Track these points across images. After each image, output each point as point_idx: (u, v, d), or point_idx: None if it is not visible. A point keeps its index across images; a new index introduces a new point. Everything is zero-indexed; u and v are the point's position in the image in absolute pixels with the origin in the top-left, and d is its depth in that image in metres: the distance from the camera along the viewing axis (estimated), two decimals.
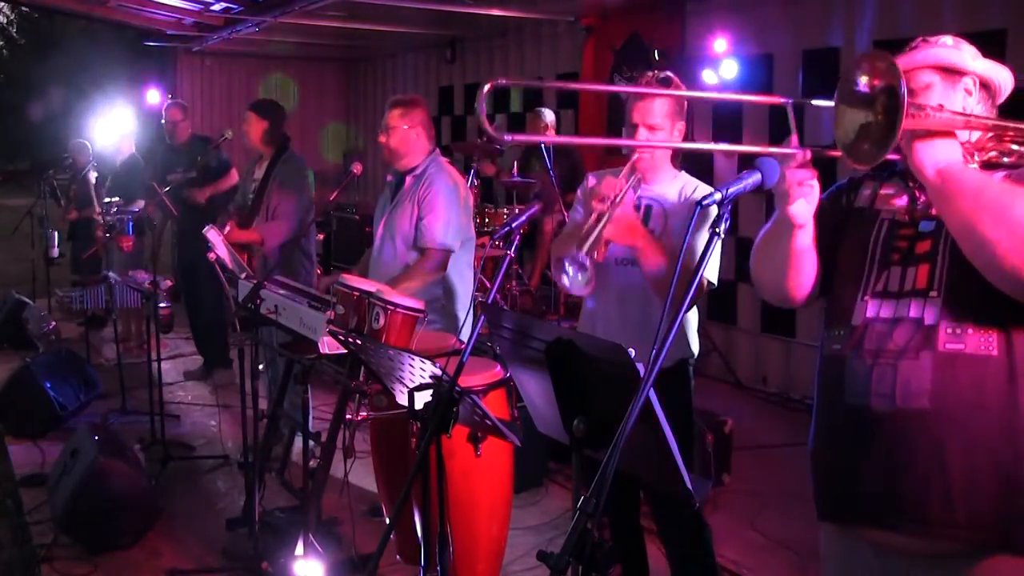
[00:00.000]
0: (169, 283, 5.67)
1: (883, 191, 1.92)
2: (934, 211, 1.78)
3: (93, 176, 7.84)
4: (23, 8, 27.53)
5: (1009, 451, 1.69)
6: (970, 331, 1.70)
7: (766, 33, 6.35)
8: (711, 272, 2.74)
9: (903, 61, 1.83)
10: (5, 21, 32.49)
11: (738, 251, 6.22)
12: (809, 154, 1.72)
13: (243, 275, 4.02)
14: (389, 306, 2.98)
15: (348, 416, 3.04)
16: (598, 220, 2.55)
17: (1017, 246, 1.58)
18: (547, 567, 1.43)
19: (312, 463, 3.35)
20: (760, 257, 2.00)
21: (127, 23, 9.90)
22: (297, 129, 11.23)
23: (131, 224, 6.44)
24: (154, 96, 10.15)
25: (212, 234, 4.15)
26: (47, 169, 8.56)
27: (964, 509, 1.69)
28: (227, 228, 4.51)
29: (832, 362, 1.86)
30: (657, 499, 2.93)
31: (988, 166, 1.78)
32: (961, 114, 1.75)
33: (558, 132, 7.40)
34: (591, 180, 2.97)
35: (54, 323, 7.50)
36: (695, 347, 2.96)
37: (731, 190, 1.52)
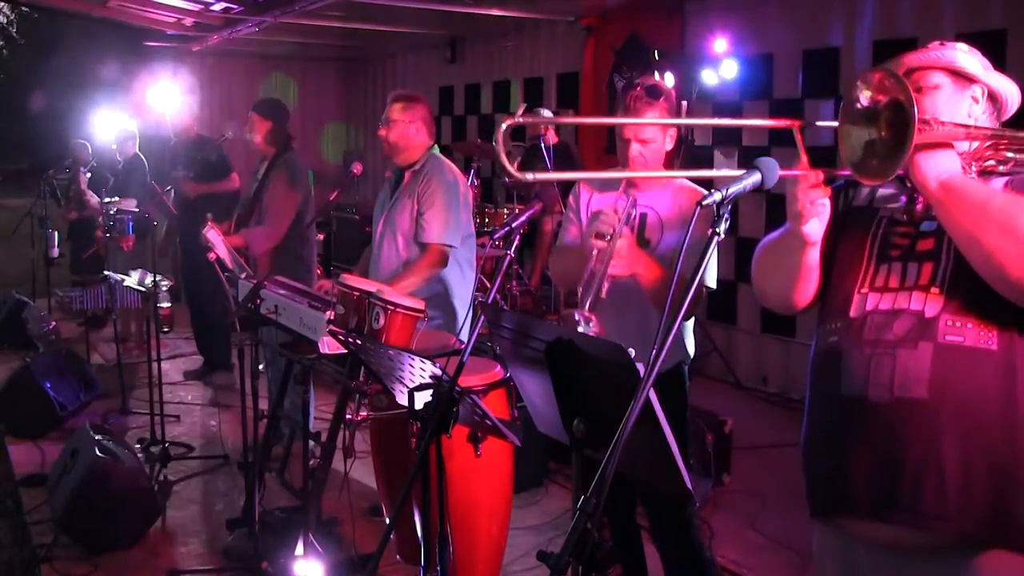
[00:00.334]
0: (169, 283, 5.67)
1: (881, 191, 1.92)
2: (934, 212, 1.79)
3: (86, 176, 7.82)
4: (23, 8, 27.50)
5: (1004, 445, 1.69)
6: (970, 325, 1.71)
7: (766, 33, 6.35)
8: (709, 276, 2.75)
9: (916, 58, 1.85)
10: (5, 21, 32.49)
11: (738, 251, 6.22)
12: (822, 175, 1.72)
13: (243, 275, 4.02)
14: (389, 306, 2.98)
15: (348, 416, 3.04)
16: (599, 260, 2.56)
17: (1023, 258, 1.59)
18: (547, 567, 1.43)
19: (312, 463, 3.35)
20: (765, 269, 2.01)
21: (127, 23, 9.89)
22: (297, 129, 11.19)
23: (131, 224, 6.44)
24: (155, 96, 10.13)
25: (212, 234, 4.15)
26: (47, 169, 8.55)
27: (957, 501, 1.69)
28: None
29: (828, 354, 1.86)
30: (648, 499, 2.94)
31: (985, 174, 1.79)
32: (963, 125, 1.76)
33: (558, 132, 7.40)
34: (583, 194, 2.98)
35: (54, 323, 7.50)
36: (691, 350, 2.97)
37: (731, 190, 1.51)
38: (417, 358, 2.30)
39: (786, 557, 3.78)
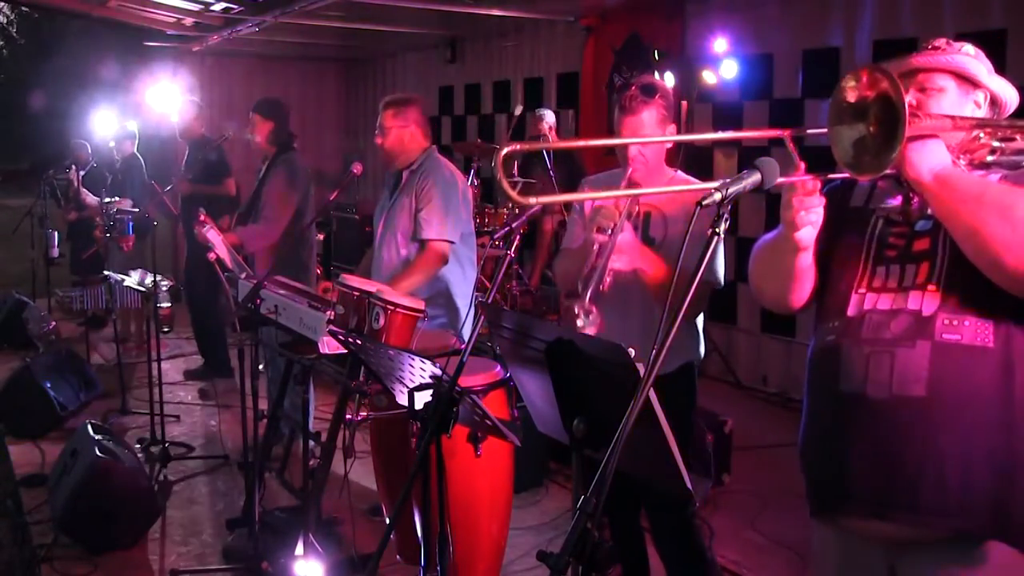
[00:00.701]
0: (169, 283, 5.67)
1: (878, 189, 1.93)
2: (931, 211, 1.79)
3: (78, 175, 7.81)
4: (23, 8, 27.52)
5: (1003, 441, 1.70)
6: (967, 323, 1.72)
7: (766, 33, 6.35)
8: (719, 273, 2.74)
9: (925, 60, 1.84)
10: (5, 21, 32.50)
11: (738, 251, 6.22)
12: (818, 184, 1.72)
13: (243, 275, 4.02)
14: (389, 306, 2.98)
15: (348, 416, 3.04)
16: (600, 254, 2.56)
17: (1022, 247, 1.59)
18: (547, 567, 1.43)
19: (312, 463, 3.35)
20: (761, 270, 2.01)
21: (127, 23, 9.89)
22: (297, 129, 11.16)
23: (131, 224, 6.44)
24: (155, 96, 10.13)
25: (212, 234, 4.15)
26: (47, 169, 8.55)
27: (956, 496, 1.70)
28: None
29: (827, 352, 1.87)
30: (649, 501, 2.92)
31: (975, 166, 1.80)
32: (949, 116, 1.76)
33: (558, 132, 7.40)
34: (587, 195, 2.98)
35: (54, 323, 7.51)
36: (701, 350, 2.95)
37: (731, 190, 1.51)
38: (417, 358, 2.30)
39: (786, 557, 3.78)
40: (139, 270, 5.44)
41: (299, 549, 3.17)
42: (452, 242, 3.74)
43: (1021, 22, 4.83)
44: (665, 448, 1.63)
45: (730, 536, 3.96)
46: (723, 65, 6.30)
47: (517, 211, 6.78)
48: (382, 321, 2.97)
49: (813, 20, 6.04)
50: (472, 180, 6.97)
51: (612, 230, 2.57)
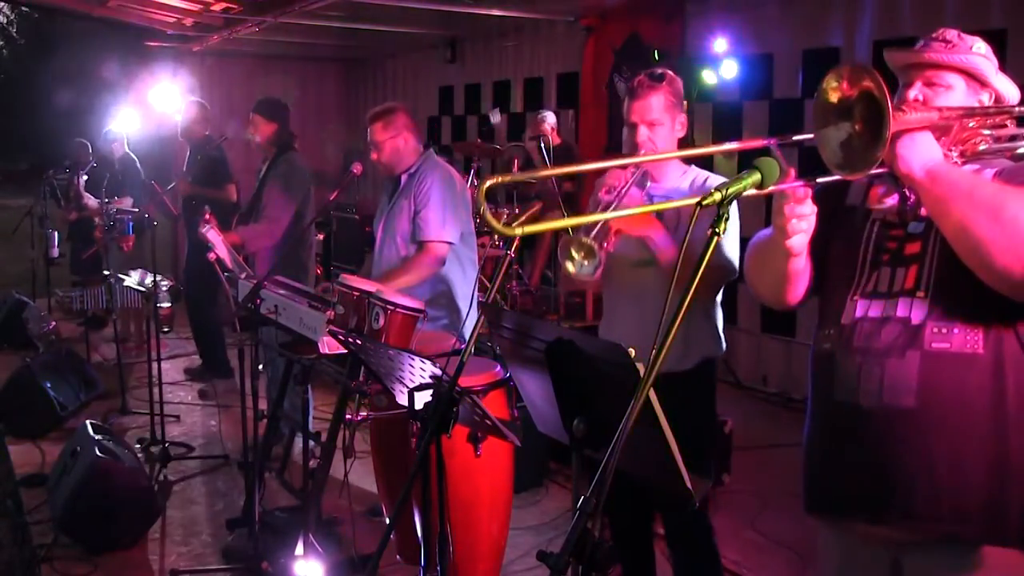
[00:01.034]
0: (169, 283, 5.67)
1: (873, 189, 1.92)
2: (923, 211, 1.79)
3: (84, 177, 7.83)
4: (23, 8, 27.50)
5: (996, 445, 1.70)
6: (956, 330, 1.72)
7: (766, 33, 6.35)
8: (735, 260, 2.68)
9: (939, 57, 1.83)
10: (5, 21, 32.49)
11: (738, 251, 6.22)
12: (810, 192, 1.71)
13: (243, 275, 4.02)
14: (389, 306, 2.98)
15: (348, 416, 3.04)
16: (606, 209, 2.51)
17: (1011, 246, 1.59)
18: (547, 567, 1.43)
19: (312, 463, 3.35)
20: (756, 270, 2.02)
21: (127, 23, 9.89)
22: (297, 129, 11.15)
23: (131, 224, 6.44)
24: (155, 96, 10.14)
25: (212, 234, 4.15)
26: (47, 169, 8.55)
27: (949, 504, 1.71)
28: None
29: (823, 360, 1.88)
30: (665, 507, 2.87)
31: (966, 157, 1.79)
32: (936, 108, 1.75)
33: (559, 132, 7.40)
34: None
35: (54, 323, 7.51)
36: (722, 345, 2.86)
37: (731, 190, 1.51)
38: (417, 358, 2.30)
39: (786, 557, 3.78)
40: (139, 270, 5.44)
41: (299, 549, 3.17)
42: (451, 243, 3.74)
43: (1021, 22, 4.83)
44: (665, 448, 1.62)
45: (730, 536, 3.96)
46: (723, 65, 6.30)
47: (517, 211, 6.78)
48: (382, 321, 2.97)
49: (813, 20, 6.04)
50: (472, 180, 6.96)
51: (619, 191, 2.53)
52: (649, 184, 2.76)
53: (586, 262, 2.44)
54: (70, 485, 3.90)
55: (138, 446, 4.92)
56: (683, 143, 2.85)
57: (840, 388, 1.81)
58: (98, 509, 3.83)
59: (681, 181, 2.83)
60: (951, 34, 1.87)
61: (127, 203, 6.98)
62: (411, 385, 2.29)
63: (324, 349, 3.11)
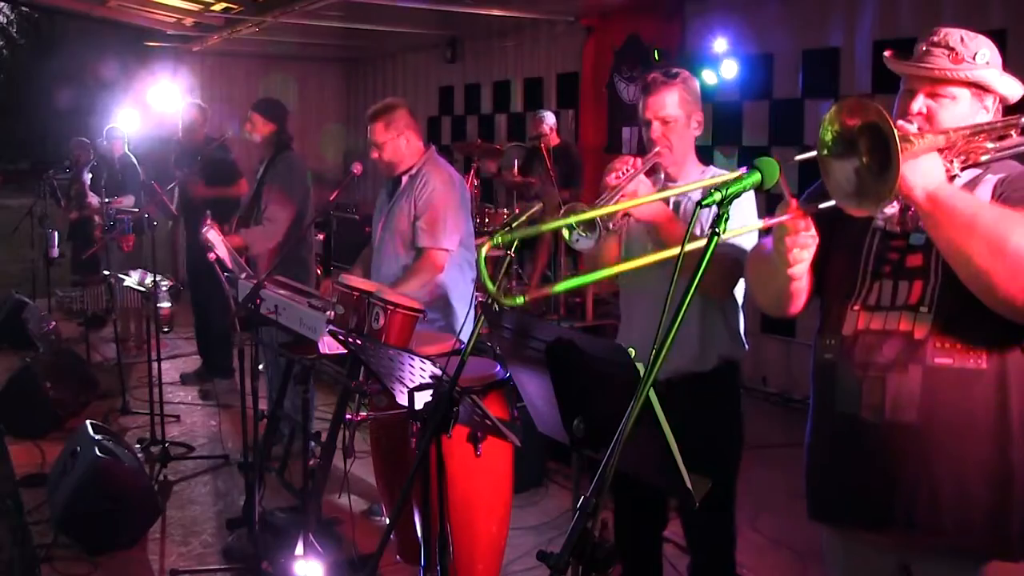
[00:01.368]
0: (169, 283, 5.68)
1: None
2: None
3: (88, 176, 7.84)
4: (23, 8, 27.52)
5: (999, 459, 1.70)
6: (959, 346, 1.71)
7: (766, 33, 6.35)
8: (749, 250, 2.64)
9: (943, 72, 1.78)
10: (5, 21, 32.52)
11: None
12: (811, 225, 1.70)
13: (243, 275, 4.02)
14: (389, 306, 2.98)
15: (348, 416, 3.04)
16: (613, 190, 2.44)
17: (1013, 276, 1.57)
18: (547, 567, 1.43)
19: (312, 463, 3.35)
20: (757, 285, 2.02)
21: (127, 23, 9.89)
22: (297, 129, 11.14)
23: (131, 224, 6.44)
24: (155, 96, 10.14)
25: (212, 234, 4.15)
26: (47, 169, 8.55)
27: (952, 518, 1.71)
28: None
29: (824, 370, 1.87)
30: (688, 512, 2.76)
31: (968, 166, 1.77)
32: (943, 132, 1.72)
33: (559, 132, 7.40)
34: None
35: (54, 323, 7.50)
36: (744, 345, 2.78)
37: (731, 190, 1.51)
38: (417, 358, 2.30)
39: (786, 557, 3.78)
40: (139, 270, 5.44)
41: (299, 549, 3.17)
42: (449, 250, 3.73)
43: (1021, 22, 4.83)
44: (665, 448, 1.62)
45: None
46: (723, 65, 6.30)
47: (517, 211, 6.78)
48: (382, 321, 2.96)
49: (813, 20, 6.04)
50: (472, 180, 6.96)
51: (626, 173, 2.47)
52: (662, 178, 2.69)
53: (584, 234, 2.36)
54: (70, 485, 3.90)
55: (138, 446, 4.92)
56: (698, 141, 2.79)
57: (842, 400, 1.80)
58: (98, 509, 3.82)
59: (699, 182, 2.77)
60: (954, 38, 1.82)
61: (127, 203, 6.98)
62: (411, 385, 2.28)
63: (324, 349, 3.11)
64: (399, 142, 3.81)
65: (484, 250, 1.56)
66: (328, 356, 3.14)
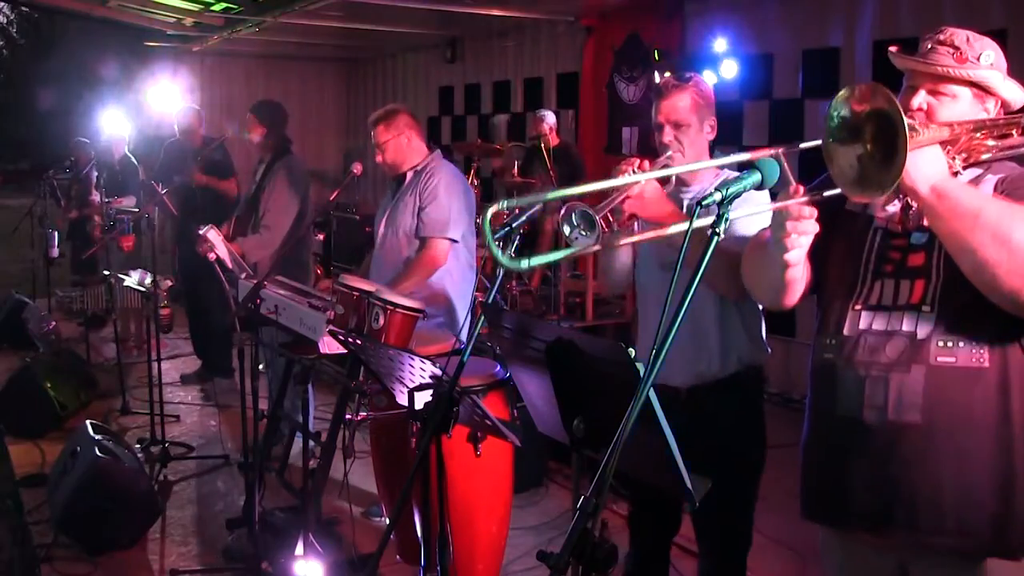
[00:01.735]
0: (169, 283, 5.68)
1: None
2: (926, 222, 1.77)
3: (94, 175, 7.83)
4: (23, 8, 27.52)
5: (1001, 460, 1.69)
6: (962, 344, 1.70)
7: (766, 33, 6.35)
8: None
9: (946, 70, 1.78)
10: (5, 21, 32.51)
11: None
12: (814, 212, 1.68)
13: (243, 275, 4.02)
14: (389, 306, 2.98)
15: (348, 416, 3.04)
16: (619, 190, 2.39)
17: (1018, 269, 1.57)
18: (547, 567, 1.43)
19: (312, 463, 3.35)
20: (752, 274, 2.01)
21: (127, 23, 9.90)
22: (297, 129, 11.18)
23: (130, 224, 6.44)
24: (155, 96, 10.14)
25: (212, 234, 4.15)
26: (47, 169, 8.55)
27: (955, 518, 1.70)
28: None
29: (824, 370, 1.86)
30: (701, 518, 2.71)
31: (970, 164, 1.78)
32: (948, 124, 1.72)
33: (559, 132, 7.40)
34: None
35: (54, 323, 7.50)
36: (767, 350, 2.71)
37: (731, 190, 1.52)
38: (417, 358, 2.30)
39: (786, 557, 3.78)
40: (139, 270, 5.44)
41: (299, 549, 3.17)
42: (454, 240, 3.73)
43: (1021, 22, 4.83)
44: (665, 448, 1.62)
45: None
46: (723, 65, 6.30)
47: (517, 211, 6.77)
48: (382, 321, 2.96)
49: (813, 20, 6.04)
50: (472, 180, 6.96)
51: (634, 171, 2.42)
52: (673, 184, 2.66)
53: (583, 232, 2.30)
54: (70, 485, 3.90)
55: (138, 446, 4.91)
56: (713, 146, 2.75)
57: (843, 403, 1.80)
58: (98, 509, 3.82)
59: (713, 184, 2.74)
60: (960, 38, 1.82)
61: (128, 203, 6.98)
62: (411, 385, 2.28)
63: (324, 349, 3.11)
64: (400, 140, 3.82)
65: (489, 212, 1.54)
66: (328, 356, 3.14)
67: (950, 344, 1.71)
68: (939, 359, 1.71)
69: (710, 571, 2.80)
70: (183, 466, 4.87)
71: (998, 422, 1.69)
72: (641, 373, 1.49)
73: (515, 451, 2.97)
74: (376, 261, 3.93)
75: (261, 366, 4.61)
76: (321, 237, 8.22)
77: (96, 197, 7.57)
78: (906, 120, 1.47)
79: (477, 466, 2.88)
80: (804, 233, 1.70)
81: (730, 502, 2.57)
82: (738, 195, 1.53)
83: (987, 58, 1.81)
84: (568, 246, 2.32)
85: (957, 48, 1.81)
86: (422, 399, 2.21)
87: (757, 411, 2.69)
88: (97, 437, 4.04)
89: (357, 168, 3.84)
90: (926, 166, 1.61)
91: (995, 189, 1.75)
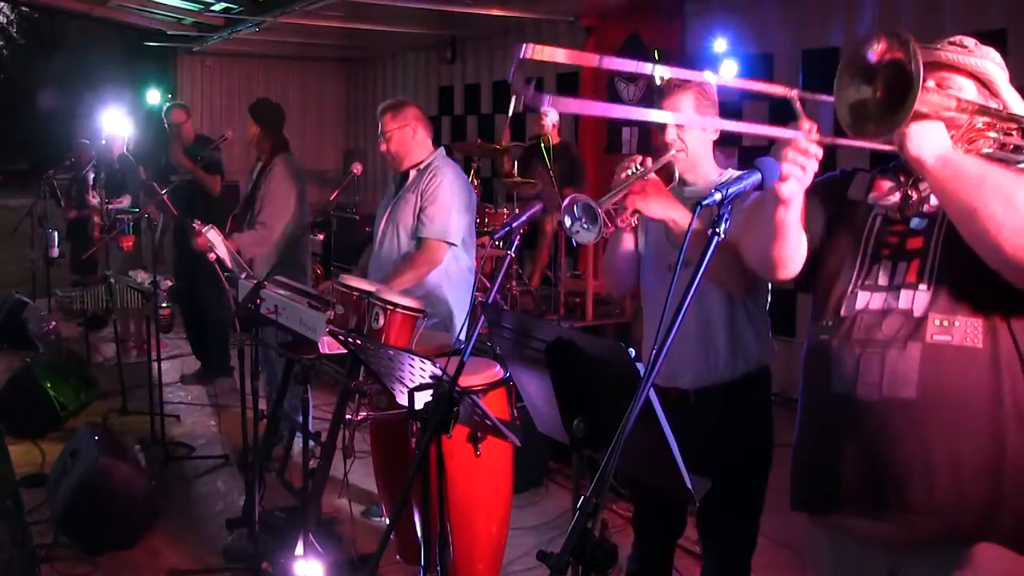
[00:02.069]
0: (169, 283, 5.68)
1: (877, 186, 1.92)
2: (926, 208, 1.80)
3: (91, 176, 7.83)
4: (23, 8, 27.54)
5: (992, 441, 1.70)
6: (957, 323, 1.72)
7: (766, 33, 6.36)
8: None
9: (952, 58, 1.82)
10: (5, 21, 32.52)
11: None
12: (820, 152, 1.69)
13: (243, 275, 4.02)
14: (389, 306, 2.98)
15: (348, 416, 3.04)
16: (622, 185, 2.39)
17: (1021, 229, 1.58)
18: (547, 567, 1.43)
19: (312, 463, 3.35)
20: (745, 222, 2.00)
21: (127, 23, 9.91)
22: (297, 129, 11.25)
23: (130, 224, 6.44)
24: (154, 96, 10.16)
25: (212, 234, 4.15)
26: (47, 169, 8.55)
27: (945, 497, 1.71)
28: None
29: (819, 351, 1.87)
30: (706, 520, 2.72)
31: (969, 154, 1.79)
32: (955, 96, 1.74)
33: (559, 130, 7.40)
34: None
35: (54, 323, 7.50)
36: (773, 349, 2.68)
37: (731, 190, 1.52)
38: (417, 358, 2.30)
39: (786, 557, 3.77)
40: (139, 270, 5.44)
41: (299, 549, 3.17)
42: (452, 244, 3.72)
43: (1021, 22, 4.83)
44: (665, 448, 1.62)
45: None
46: (723, 65, 6.30)
47: (517, 211, 6.77)
48: (381, 321, 2.96)
49: (813, 20, 6.04)
50: (472, 180, 6.96)
51: (637, 171, 2.41)
52: (677, 180, 2.64)
53: (586, 225, 2.30)
54: (70, 485, 3.90)
55: (138, 446, 4.92)
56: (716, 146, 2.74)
57: (837, 380, 1.80)
58: (98, 509, 3.82)
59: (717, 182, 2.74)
60: (968, 41, 1.86)
61: (126, 202, 6.98)
62: (411, 385, 2.29)
63: (324, 349, 3.11)
64: (406, 132, 3.80)
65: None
66: (328, 356, 3.14)
67: (946, 323, 1.72)
68: (935, 337, 1.72)
69: (714, 573, 2.79)
70: (183, 466, 4.87)
71: (990, 403, 1.70)
72: (642, 373, 1.49)
73: (515, 451, 2.97)
74: (375, 258, 3.92)
75: (259, 366, 4.61)
76: (321, 237, 8.22)
77: (94, 199, 7.58)
78: (921, 69, 1.49)
79: (477, 466, 2.88)
80: (796, 163, 1.70)
81: (736, 504, 2.57)
82: (738, 195, 1.53)
83: (994, 57, 1.84)
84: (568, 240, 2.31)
85: (964, 46, 1.84)
86: (422, 399, 2.22)
87: (765, 412, 2.68)
88: (97, 437, 4.04)
89: (357, 168, 3.84)
90: (932, 138, 1.64)
91: None
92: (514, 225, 2.58)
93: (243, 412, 3.81)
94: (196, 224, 4.21)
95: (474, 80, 9.74)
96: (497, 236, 2.61)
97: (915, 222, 1.82)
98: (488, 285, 5.78)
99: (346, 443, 3.09)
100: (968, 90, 1.81)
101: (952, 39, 1.87)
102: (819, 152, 1.70)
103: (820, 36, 5.98)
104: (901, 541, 1.77)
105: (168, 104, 6.64)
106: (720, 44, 6.30)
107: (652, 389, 1.48)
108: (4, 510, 4.20)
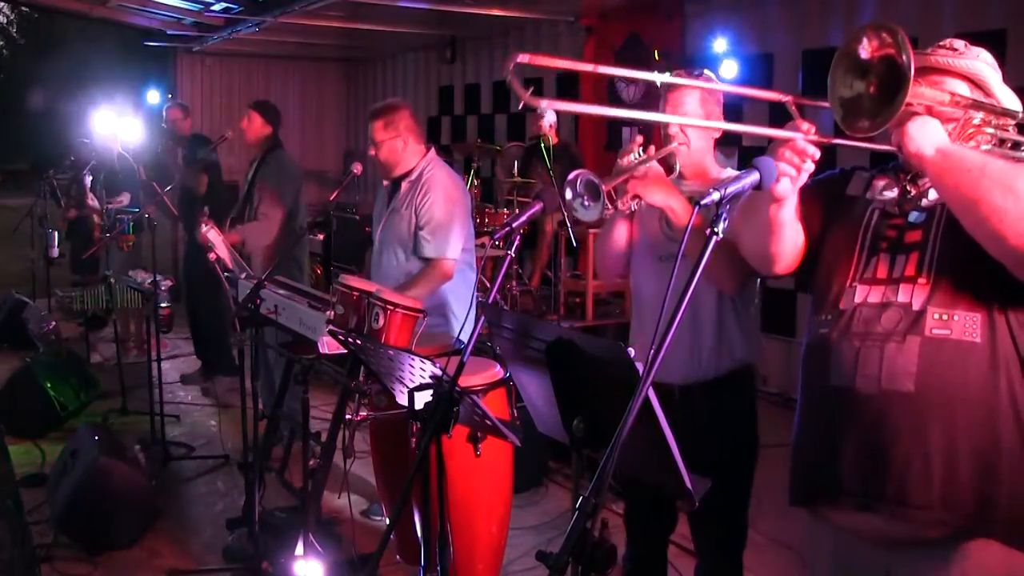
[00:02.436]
0: (169, 283, 5.68)
1: (876, 183, 1.92)
2: (925, 203, 1.81)
3: (88, 179, 7.83)
4: (23, 8, 27.53)
5: (989, 437, 1.71)
6: (956, 317, 1.72)
7: (766, 33, 6.36)
8: None
9: (943, 61, 1.82)
10: (5, 21, 32.53)
11: None
12: (818, 153, 1.69)
13: (243, 275, 4.02)
14: (388, 306, 2.98)
15: (348, 416, 3.04)
16: (625, 169, 2.40)
17: (1022, 220, 1.59)
18: (547, 567, 1.43)
19: (312, 463, 3.35)
20: (741, 218, 2.00)
21: (127, 23, 9.91)
22: (297, 129, 11.27)
23: (130, 224, 6.44)
24: (154, 96, 10.17)
25: (212, 234, 4.15)
26: (47, 169, 8.54)
27: (942, 492, 1.71)
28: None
29: (819, 345, 1.87)
30: (699, 519, 2.74)
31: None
32: (948, 91, 1.75)
33: (558, 131, 7.39)
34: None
35: (54, 323, 7.50)
36: (761, 349, 2.70)
37: (729, 190, 1.52)
38: (417, 358, 2.30)
39: (786, 557, 3.78)
40: (139, 270, 5.44)
41: (299, 549, 3.17)
42: (454, 260, 3.70)
43: (1021, 22, 4.83)
44: (665, 448, 1.62)
45: None
46: (723, 65, 6.30)
47: (517, 211, 6.77)
48: (381, 321, 2.96)
49: (813, 20, 6.04)
50: (472, 180, 6.96)
51: (639, 159, 2.42)
52: (677, 173, 2.64)
53: (587, 203, 2.30)
54: (70, 485, 3.90)
55: (138, 446, 4.92)
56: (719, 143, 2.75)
57: (836, 374, 1.81)
58: (98, 509, 3.83)
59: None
60: (958, 43, 1.86)
61: (125, 201, 6.99)
62: (411, 385, 2.28)
63: (324, 349, 3.11)
64: (396, 143, 3.74)
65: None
66: (328, 356, 3.14)
67: (945, 316, 1.72)
68: (934, 331, 1.72)
69: (708, 570, 2.81)
70: (183, 466, 4.87)
71: (987, 398, 1.71)
72: (640, 372, 1.49)
73: (515, 451, 2.98)
74: (375, 270, 3.89)
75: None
76: (321, 237, 8.21)
77: (91, 200, 7.58)
78: (913, 62, 1.52)
79: (477, 466, 2.88)
80: (799, 167, 1.71)
81: (725, 500, 2.58)
82: (736, 195, 1.53)
83: (985, 57, 1.85)
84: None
85: (954, 48, 1.85)
86: (422, 399, 2.21)
87: (750, 408, 2.70)
88: (97, 437, 4.04)
89: (357, 168, 3.83)
90: (930, 133, 1.66)
91: None
92: (514, 225, 2.57)
93: (243, 412, 3.81)
94: (204, 216, 4.21)
95: (474, 80, 9.73)
96: (497, 236, 2.60)
97: (913, 216, 1.83)
98: (488, 285, 5.78)
99: (346, 443, 3.09)
100: (960, 91, 1.81)
101: (942, 43, 1.88)
102: (816, 152, 1.71)
103: (820, 36, 5.98)
104: (898, 538, 1.77)
105: (168, 103, 6.66)
106: (720, 44, 6.30)
107: (651, 389, 1.48)
108: (4, 510, 4.20)
